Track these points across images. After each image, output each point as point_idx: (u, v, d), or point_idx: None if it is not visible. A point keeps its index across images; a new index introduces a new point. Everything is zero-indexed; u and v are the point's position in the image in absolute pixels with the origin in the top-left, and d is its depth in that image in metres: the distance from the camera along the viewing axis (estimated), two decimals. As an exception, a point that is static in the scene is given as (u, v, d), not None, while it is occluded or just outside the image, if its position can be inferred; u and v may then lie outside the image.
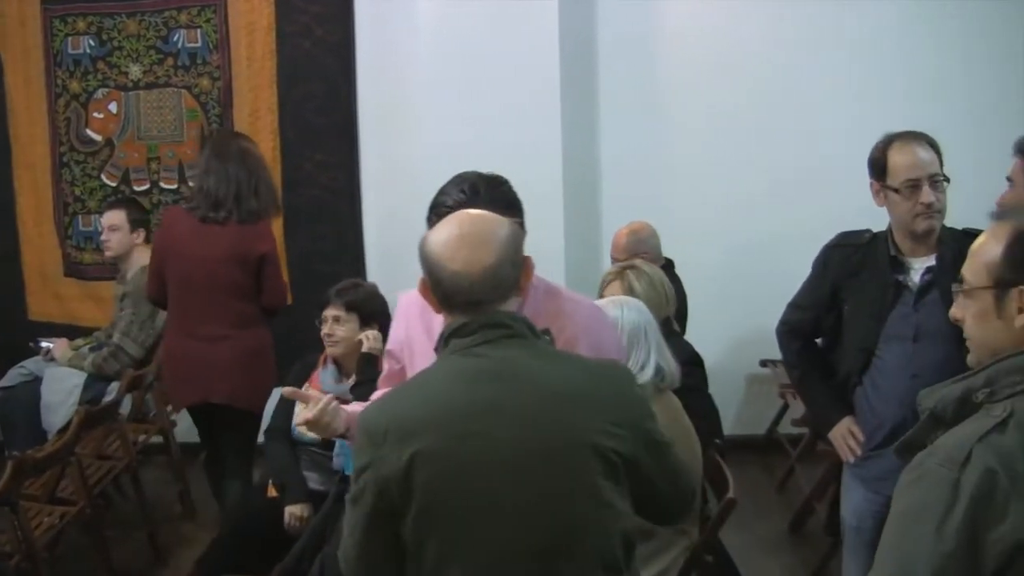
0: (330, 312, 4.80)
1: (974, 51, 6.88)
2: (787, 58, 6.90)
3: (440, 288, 2.55)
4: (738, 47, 6.89)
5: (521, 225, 3.04)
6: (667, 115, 6.96)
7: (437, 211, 2.94)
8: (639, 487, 2.55)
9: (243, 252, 5.22)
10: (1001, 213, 2.22)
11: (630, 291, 4.30)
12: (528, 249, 2.97)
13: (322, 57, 6.90)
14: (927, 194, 3.62)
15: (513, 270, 2.58)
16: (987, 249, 2.15)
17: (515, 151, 6.23)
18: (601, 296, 4.33)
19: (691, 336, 5.60)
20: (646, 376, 3.78)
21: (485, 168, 3.16)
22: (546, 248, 6.29)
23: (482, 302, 2.53)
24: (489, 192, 3.00)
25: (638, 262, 4.79)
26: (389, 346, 3.31)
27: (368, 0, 6.84)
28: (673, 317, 4.73)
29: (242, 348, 5.22)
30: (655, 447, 2.61)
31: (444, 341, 2.57)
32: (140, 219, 6.28)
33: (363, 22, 6.83)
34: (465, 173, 3.09)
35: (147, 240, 6.17)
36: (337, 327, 4.77)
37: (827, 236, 4.01)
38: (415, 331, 3.12)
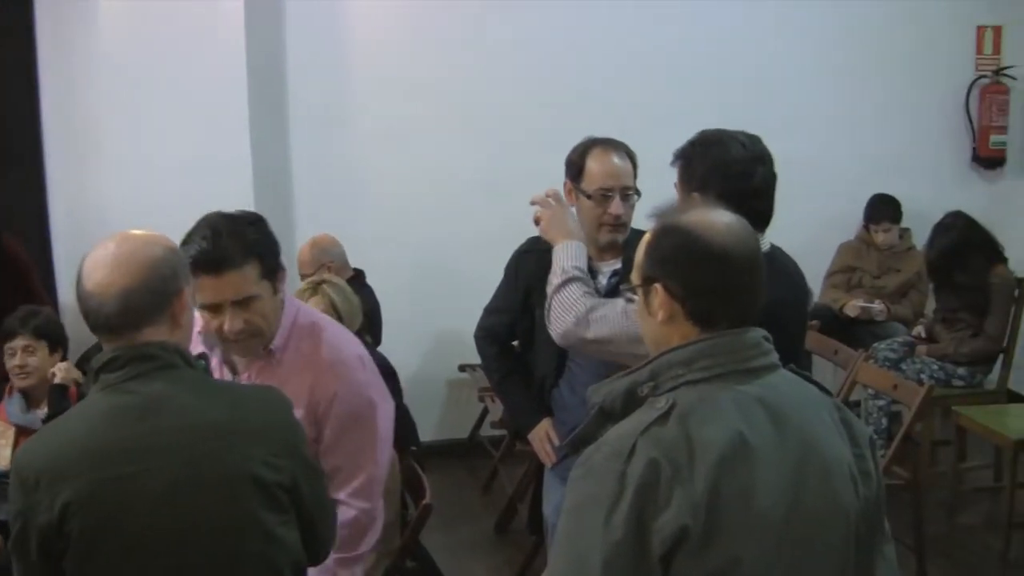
0: (19, 343, 4.58)
1: (681, 61, 7.26)
2: (476, 68, 7.00)
3: (80, 308, 2.45)
4: (425, 59, 6.95)
5: (271, 269, 3.06)
6: (358, 127, 6.96)
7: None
8: (299, 515, 2.55)
9: None
10: (655, 213, 2.31)
11: (331, 305, 4.29)
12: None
13: (2, 77, 6.59)
14: (617, 206, 3.71)
15: (154, 297, 2.44)
16: (640, 248, 2.24)
17: (204, 167, 6.15)
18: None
19: (388, 345, 5.66)
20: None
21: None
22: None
23: (116, 328, 2.42)
24: (229, 237, 2.98)
25: (328, 276, 4.80)
26: None
27: (49, 18, 6.52)
28: (365, 329, 4.74)
29: None
30: (312, 473, 2.62)
31: (95, 376, 2.46)
32: None
33: (44, 41, 6.53)
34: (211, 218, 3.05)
35: None
36: (30, 357, 4.56)
37: (519, 241, 4.09)
38: None
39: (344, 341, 3.29)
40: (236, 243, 2.97)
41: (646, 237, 2.25)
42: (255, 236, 3.04)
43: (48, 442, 2.44)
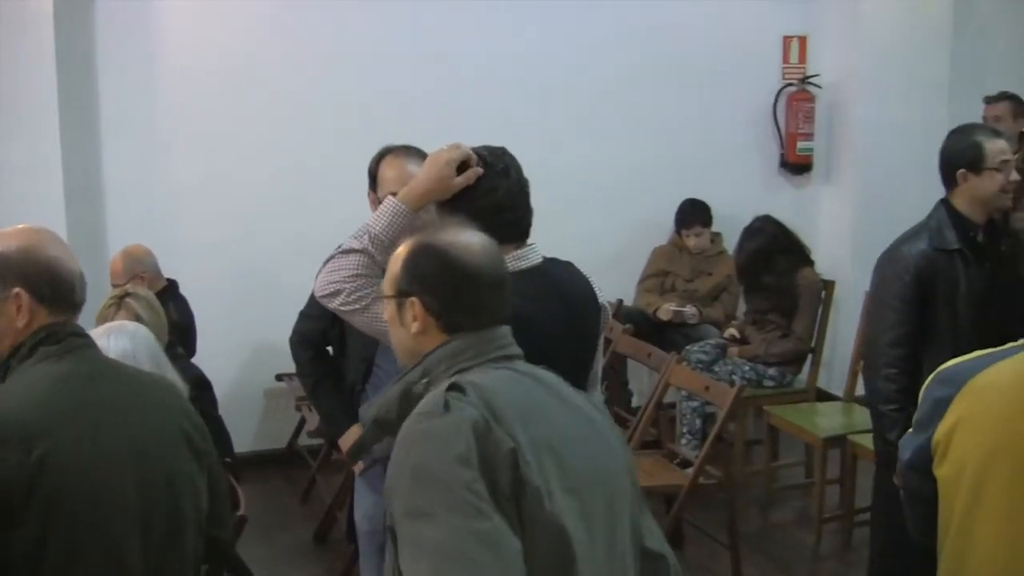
0: None
1: (492, 66, 7.26)
2: (290, 73, 6.93)
3: (57, 286, 2.57)
4: (240, 63, 6.84)
5: None
6: (172, 133, 6.82)
7: None
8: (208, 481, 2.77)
9: None
10: (418, 228, 2.47)
11: (137, 319, 4.20)
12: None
13: None
14: None
15: None
16: (395, 261, 2.39)
17: (12, 172, 6.00)
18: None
19: (203, 355, 5.58)
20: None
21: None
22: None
23: (80, 305, 2.65)
24: None
25: (131, 287, 4.71)
26: None
27: None
28: (176, 340, 4.67)
29: None
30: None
31: (29, 351, 2.54)
32: None
33: None
34: None
35: None
36: None
37: (331, 246, 4.04)
38: None
39: None
40: None
41: (401, 251, 2.38)
42: None
43: (4, 403, 2.47)
